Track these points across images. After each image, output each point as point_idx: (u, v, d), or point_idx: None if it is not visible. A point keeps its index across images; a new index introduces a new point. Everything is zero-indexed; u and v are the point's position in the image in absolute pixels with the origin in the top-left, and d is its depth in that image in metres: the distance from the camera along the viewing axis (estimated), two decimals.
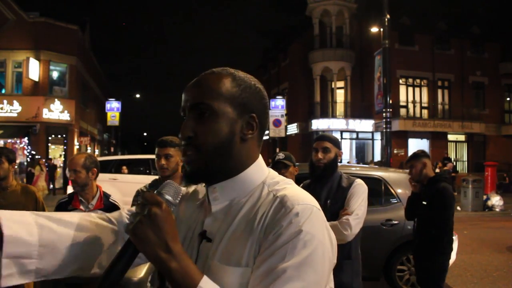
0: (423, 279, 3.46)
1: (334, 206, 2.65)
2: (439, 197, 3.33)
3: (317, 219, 0.85)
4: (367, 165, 12.90)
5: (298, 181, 2.86)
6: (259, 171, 0.96)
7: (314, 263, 0.80)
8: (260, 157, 0.99)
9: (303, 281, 0.78)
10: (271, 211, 0.85)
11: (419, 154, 3.61)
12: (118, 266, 0.83)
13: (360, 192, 2.65)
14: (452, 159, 22.43)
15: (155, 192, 0.88)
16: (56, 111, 20.15)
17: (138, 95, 36.09)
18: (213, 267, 0.88)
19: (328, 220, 2.53)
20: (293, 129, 25.33)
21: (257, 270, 0.81)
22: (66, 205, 2.82)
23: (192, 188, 1.10)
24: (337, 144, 2.83)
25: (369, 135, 24.40)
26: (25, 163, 18.64)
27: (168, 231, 0.80)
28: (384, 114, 12.84)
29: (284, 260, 0.79)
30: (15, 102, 19.27)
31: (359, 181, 2.72)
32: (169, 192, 0.88)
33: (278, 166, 3.23)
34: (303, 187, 2.87)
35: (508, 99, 26.41)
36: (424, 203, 3.43)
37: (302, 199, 0.86)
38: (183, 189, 0.98)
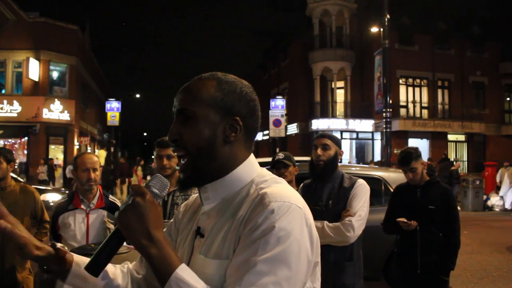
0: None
1: (336, 207, 2.58)
2: (449, 198, 3.20)
3: (295, 216, 0.86)
4: (367, 165, 12.89)
5: (298, 181, 2.85)
6: (248, 170, 1.00)
7: (288, 259, 0.82)
8: (251, 157, 1.03)
9: (274, 275, 0.80)
10: (252, 207, 0.90)
11: (417, 154, 3.23)
12: (106, 249, 0.91)
13: (362, 193, 2.58)
14: (452, 159, 22.43)
15: (144, 185, 0.95)
16: (56, 111, 20.15)
17: (138, 95, 36.09)
18: (198, 260, 0.95)
19: (330, 221, 2.47)
20: (293, 129, 25.32)
21: (232, 262, 0.86)
22: (67, 205, 2.82)
23: (196, 194, 1.15)
24: (337, 142, 2.75)
25: (369, 135, 24.40)
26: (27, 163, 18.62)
27: (150, 219, 0.86)
28: (384, 114, 12.84)
29: (257, 254, 0.82)
30: (15, 102, 19.27)
31: (361, 181, 2.65)
32: (155, 185, 0.95)
33: (278, 166, 3.23)
34: (304, 187, 2.84)
35: (508, 99, 26.40)
36: (432, 207, 3.11)
37: (281, 197, 0.88)
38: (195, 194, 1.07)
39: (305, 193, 2.71)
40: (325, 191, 2.67)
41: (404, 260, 3.25)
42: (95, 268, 0.90)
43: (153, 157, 3.02)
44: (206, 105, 0.96)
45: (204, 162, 0.96)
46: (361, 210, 2.51)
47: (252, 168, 1.01)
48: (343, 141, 23.36)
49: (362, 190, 2.59)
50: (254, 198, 0.91)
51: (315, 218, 2.70)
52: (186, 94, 0.99)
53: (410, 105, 24.07)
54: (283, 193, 0.91)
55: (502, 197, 14.15)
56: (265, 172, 1.03)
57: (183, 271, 0.84)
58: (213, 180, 0.98)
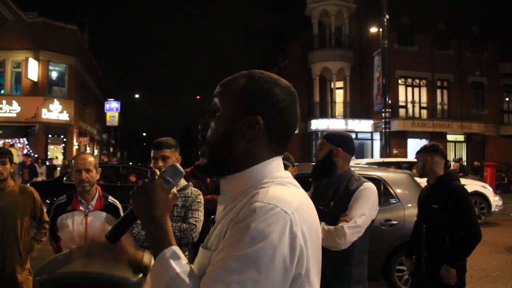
0: None
1: (337, 209, 2.40)
2: (460, 197, 2.97)
3: (277, 221, 0.84)
4: (366, 165, 12.86)
5: (297, 181, 2.84)
6: (264, 171, 0.98)
7: (258, 262, 0.81)
8: (275, 159, 1.00)
9: (242, 275, 0.80)
10: (244, 205, 0.91)
11: (427, 148, 3.20)
12: (124, 222, 1.06)
13: (365, 197, 2.37)
14: (451, 159, 22.43)
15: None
16: (55, 111, 20.15)
17: (137, 95, 36.11)
18: (200, 249, 1.01)
19: (330, 223, 2.36)
20: None
21: (213, 255, 0.89)
22: (65, 206, 2.80)
23: None
24: (333, 139, 2.53)
25: (368, 135, 24.41)
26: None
27: (154, 201, 0.98)
28: (383, 114, 12.90)
29: (230, 251, 0.84)
30: (14, 102, 19.26)
31: (367, 184, 2.44)
32: (167, 171, 1.05)
33: None
34: (315, 185, 2.70)
35: (507, 99, 26.44)
36: (435, 206, 3.03)
37: (269, 198, 0.87)
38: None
39: (314, 191, 2.62)
40: (330, 191, 2.51)
41: (415, 261, 3.23)
42: (114, 237, 1.05)
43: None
44: (231, 101, 0.99)
45: (219, 154, 0.99)
46: (358, 217, 2.31)
47: (268, 170, 0.99)
48: None
49: (365, 195, 2.38)
50: (251, 197, 0.92)
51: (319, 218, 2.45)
52: (219, 89, 1.03)
53: (409, 105, 24.10)
54: (274, 195, 0.89)
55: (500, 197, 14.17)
56: (282, 174, 1.00)
57: (170, 252, 0.92)
58: (230, 173, 1.00)
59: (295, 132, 1.06)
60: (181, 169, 1.05)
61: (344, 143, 2.53)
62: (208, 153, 1.01)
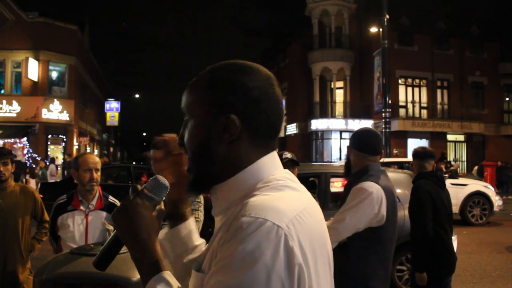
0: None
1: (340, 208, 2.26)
2: (412, 196, 3.19)
3: (268, 238, 0.71)
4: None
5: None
6: (256, 173, 0.85)
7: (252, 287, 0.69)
8: (264, 158, 0.87)
9: None
10: (234, 219, 0.77)
11: (413, 153, 3.45)
12: (111, 247, 0.93)
13: (353, 198, 2.15)
14: (451, 159, 22.44)
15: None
16: (55, 111, 20.16)
17: (137, 95, 36.13)
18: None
19: None
20: (292, 129, 25.33)
21: (205, 280, 0.77)
22: (65, 205, 2.80)
23: None
24: (352, 141, 2.40)
25: None
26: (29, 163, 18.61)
27: (137, 223, 0.86)
28: (383, 114, 12.89)
29: (219, 277, 0.72)
30: (14, 102, 19.27)
31: (363, 184, 2.18)
32: (148, 187, 0.92)
33: (287, 165, 3.15)
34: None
35: (507, 99, 26.47)
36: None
37: (258, 210, 0.73)
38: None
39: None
40: (345, 190, 2.43)
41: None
42: (102, 264, 0.93)
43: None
44: (198, 105, 0.87)
45: (202, 166, 0.87)
46: (337, 221, 2.11)
47: (261, 171, 0.85)
48: (342, 141, 23.44)
49: (354, 195, 2.15)
50: (240, 209, 0.78)
51: None
52: (185, 93, 0.91)
53: (410, 105, 24.12)
54: (265, 205, 0.75)
55: (501, 197, 14.17)
56: (277, 175, 0.86)
57: (159, 280, 0.82)
58: (218, 183, 0.88)
59: (283, 119, 0.92)
60: (165, 182, 0.92)
61: (354, 141, 2.36)
62: (192, 169, 0.89)
